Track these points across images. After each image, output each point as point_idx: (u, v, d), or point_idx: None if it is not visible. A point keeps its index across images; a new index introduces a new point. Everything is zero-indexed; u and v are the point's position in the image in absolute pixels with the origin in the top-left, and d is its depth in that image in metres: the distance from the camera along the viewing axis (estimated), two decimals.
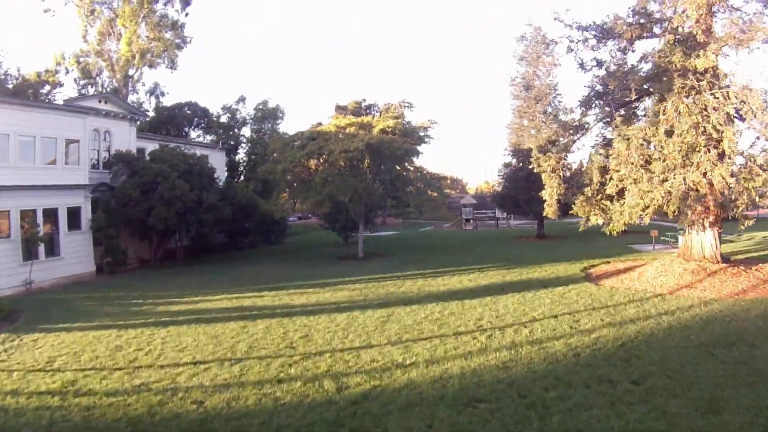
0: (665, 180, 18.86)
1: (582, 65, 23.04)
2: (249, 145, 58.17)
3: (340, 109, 53.18)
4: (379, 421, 9.10)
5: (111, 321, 17.80)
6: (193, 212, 31.93)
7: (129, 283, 26.95)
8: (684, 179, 18.42)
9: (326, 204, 31.28)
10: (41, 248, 27.06)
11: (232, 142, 56.99)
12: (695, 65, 18.51)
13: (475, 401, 9.73)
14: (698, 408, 8.99)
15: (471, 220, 60.99)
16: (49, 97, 55.75)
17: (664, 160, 18.78)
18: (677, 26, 19.65)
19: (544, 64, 41.36)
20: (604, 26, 21.67)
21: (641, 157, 19.27)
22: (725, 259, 21.78)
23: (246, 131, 59.60)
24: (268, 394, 10.49)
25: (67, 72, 56.73)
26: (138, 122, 37.74)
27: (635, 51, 21.75)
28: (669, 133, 18.94)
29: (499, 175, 47.98)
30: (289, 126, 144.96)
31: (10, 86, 52.29)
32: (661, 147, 18.91)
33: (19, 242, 25.94)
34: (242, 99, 59.78)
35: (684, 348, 12.17)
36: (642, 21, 20.40)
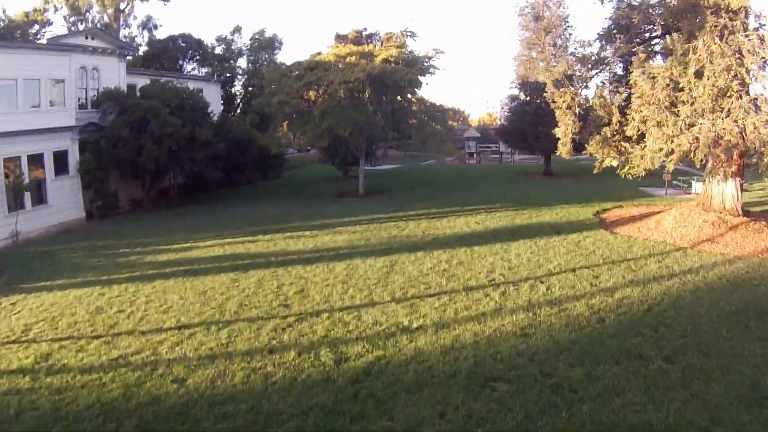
0: (692, 125, 17.22)
1: None
2: (245, 76, 55.55)
3: (340, 39, 50.61)
4: (384, 408, 7.96)
5: (95, 276, 16.58)
6: (185, 150, 30.25)
7: (119, 229, 25.54)
8: (713, 125, 16.77)
9: (325, 138, 29.46)
10: (27, 197, 25.51)
11: (228, 74, 54.43)
12: (728, 2, 16.55)
13: (493, 380, 8.60)
14: (741, 398, 7.84)
15: (474, 154, 59.18)
16: (38, 37, 53.04)
17: (692, 104, 17.03)
18: None
19: None
20: None
21: (667, 98, 17.50)
22: (745, 211, 20.39)
23: (242, 62, 56.87)
24: (258, 369, 9.36)
25: (56, 10, 53.35)
26: (128, 57, 35.59)
27: None
28: (698, 75, 17.10)
29: (503, 109, 45.99)
30: (287, 56, 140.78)
31: None
32: (690, 89, 17.10)
33: (3, 192, 24.30)
34: (238, 29, 56.56)
35: (716, 317, 10.98)
36: None
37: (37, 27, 52.78)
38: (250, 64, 56.17)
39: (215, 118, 37.99)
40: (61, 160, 27.97)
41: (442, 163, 57.86)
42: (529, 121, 38.78)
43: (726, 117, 16.80)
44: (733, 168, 18.89)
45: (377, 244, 18.48)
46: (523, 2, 41.30)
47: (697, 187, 28.62)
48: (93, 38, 32.18)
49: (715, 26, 17.05)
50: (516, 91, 43.39)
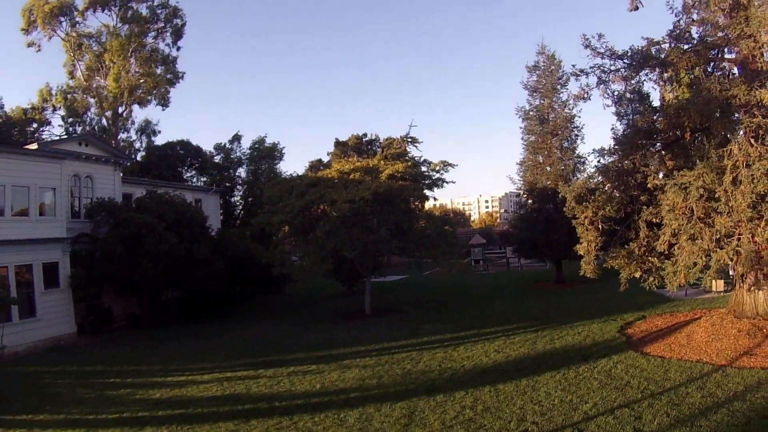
0: (729, 235, 16.19)
1: (618, 100, 20.79)
2: (245, 186, 55.44)
3: (341, 145, 51.04)
4: None
5: (80, 413, 15.02)
6: (183, 268, 29.13)
7: (110, 351, 24.00)
8: (752, 235, 15.73)
9: (329, 260, 28.18)
10: (14, 309, 24.41)
11: (227, 184, 54.42)
12: (762, 97, 15.98)
13: None
14: None
15: (481, 261, 58.24)
16: (36, 135, 53.47)
17: (728, 213, 16.06)
18: (746, 53, 17.18)
19: (571, 96, 38.86)
20: (642, 52, 19.42)
21: (702, 209, 16.56)
22: None
23: (242, 171, 57.06)
24: None
25: (55, 109, 54.13)
26: (123, 166, 35.30)
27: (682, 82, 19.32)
28: (734, 181, 16.27)
29: (506, 211, 45.40)
30: (288, 165, 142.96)
31: None
32: (727, 198, 16.17)
33: None
34: (237, 138, 56.91)
35: None
36: (698, 48, 18.02)
37: (35, 125, 53.20)
38: (249, 174, 56.23)
39: (214, 232, 37.20)
40: (51, 272, 27.07)
41: (448, 270, 56.46)
42: (541, 229, 38.01)
43: (766, 225, 15.79)
44: (766, 270, 17.68)
45: (391, 384, 16.73)
46: (527, 105, 41.82)
47: (716, 284, 27.48)
48: (87, 145, 32.08)
49: (749, 127, 16.43)
50: (523, 197, 43.23)
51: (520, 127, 42.48)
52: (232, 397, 16.29)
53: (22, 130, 51.42)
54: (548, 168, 40.15)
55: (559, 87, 40.53)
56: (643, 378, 15.36)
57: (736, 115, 17.13)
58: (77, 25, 51.04)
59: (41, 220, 26.75)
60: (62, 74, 58.64)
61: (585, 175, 20.76)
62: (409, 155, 50.33)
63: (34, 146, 28.73)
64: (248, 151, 56.68)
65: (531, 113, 41.38)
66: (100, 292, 29.14)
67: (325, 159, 52.36)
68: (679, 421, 11.99)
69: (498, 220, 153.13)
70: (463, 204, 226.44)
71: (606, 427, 12.09)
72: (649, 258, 18.81)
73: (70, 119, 53.58)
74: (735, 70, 18.18)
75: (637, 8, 20.17)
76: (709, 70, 18.82)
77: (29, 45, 50.12)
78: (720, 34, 18.43)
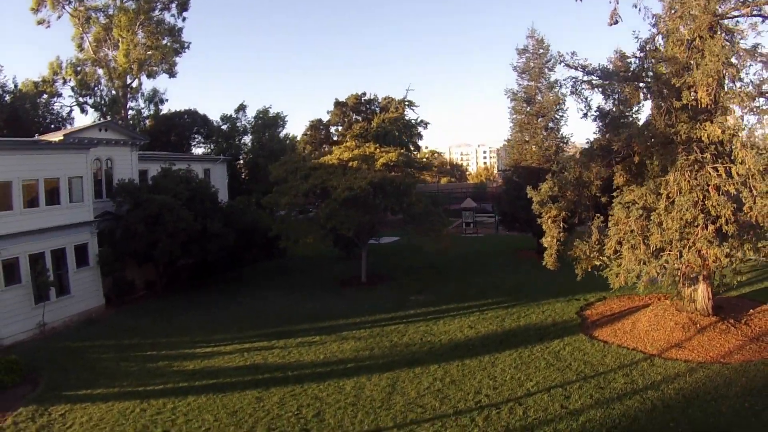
0: (662, 249, 19.77)
1: (586, 114, 23.94)
2: (250, 155, 58.35)
3: (340, 105, 53.97)
4: None
5: (131, 386, 18.78)
6: (197, 242, 32.67)
7: (138, 323, 27.64)
8: (680, 254, 19.36)
9: (330, 237, 31.95)
10: (52, 289, 27.54)
11: (233, 152, 57.27)
12: (701, 135, 19.26)
13: None
14: None
15: (472, 224, 61.82)
16: (50, 108, 55.83)
17: (661, 234, 19.60)
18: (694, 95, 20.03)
19: (547, 82, 41.83)
20: (609, 71, 22.47)
21: (640, 228, 20.09)
22: (717, 308, 22.49)
23: (247, 139, 59.84)
24: None
25: (65, 82, 56.43)
26: (138, 146, 38.06)
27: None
28: (668, 208, 19.76)
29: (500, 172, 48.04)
30: (291, 128, 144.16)
31: (7, 99, 52.41)
32: (660, 221, 19.70)
33: (30, 286, 26.38)
34: (243, 107, 59.70)
35: None
36: (651, 85, 21.20)
37: (45, 97, 55.36)
38: (255, 142, 58.95)
39: (223, 202, 40.28)
40: (81, 252, 30.06)
41: (435, 245, 59.85)
42: (522, 205, 41.26)
43: (692, 246, 19.33)
44: (704, 273, 21.18)
45: (380, 356, 20.87)
46: (515, 87, 44.56)
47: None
48: (106, 130, 35.00)
49: (686, 161, 19.72)
50: (510, 173, 46.35)
51: (509, 107, 45.10)
52: (253, 366, 20.35)
53: (34, 103, 53.59)
54: (534, 147, 43.06)
55: (546, 70, 43.03)
56: (582, 361, 19.23)
57: (675, 153, 20.08)
58: (85, 0, 52.62)
59: (71, 207, 29.52)
60: (71, 48, 60.25)
61: (549, 183, 23.70)
62: (406, 117, 54.11)
63: (59, 137, 31.09)
64: (252, 120, 59.35)
65: (519, 94, 44.05)
66: (124, 266, 32.65)
67: (325, 119, 55.85)
68: (599, 403, 15.84)
69: (495, 172, 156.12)
70: (461, 155, 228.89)
71: (540, 403, 16.08)
72: (600, 257, 22.42)
73: (81, 92, 56.05)
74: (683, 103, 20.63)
75: (616, 22, 22.85)
76: (660, 103, 21.57)
77: (39, 23, 51.71)
78: (673, 68, 21.08)
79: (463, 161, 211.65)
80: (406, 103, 54.73)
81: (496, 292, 30.05)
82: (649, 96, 22.12)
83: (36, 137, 31.83)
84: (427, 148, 51.45)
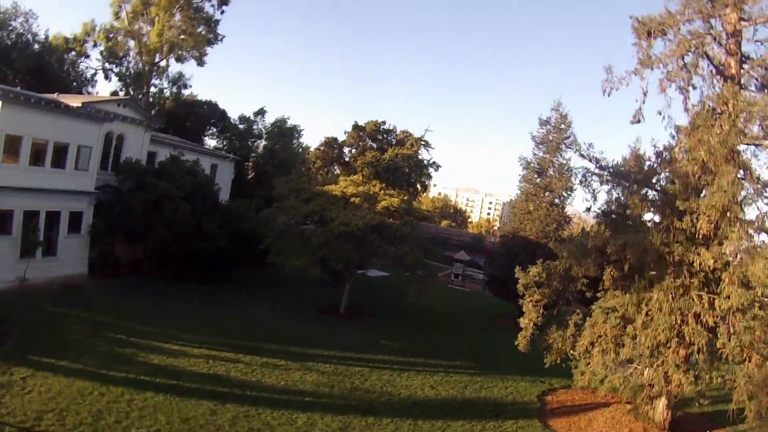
0: (630, 361, 20.27)
1: (589, 209, 24.58)
2: (260, 160, 58.65)
3: (358, 128, 54.74)
4: None
5: (95, 367, 19.17)
6: (191, 238, 33.17)
7: (118, 300, 28.07)
8: (644, 372, 19.88)
9: (318, 266, 32.34)
10: (39, 248, 28.17)
11: (244, 152, 57.58)
12: (692, 260, 19.73)
13: None
14: None
15: (461, 277, 62.23)
16: (76, 66, 56.94)
17: (632, 348, 20.12)
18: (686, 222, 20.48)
19: (562, 158, 42.45)
20: (622, 171, 23.13)
21: (614, 338, 20.62)
22: (675, 423, 22.60)
23: (260, 143, 60.29)
24: None
25: (95, 45, 57.47)
26: (153, 129, 38.77)
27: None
28: (646, 323, 20.25)
29: (498, 237, 48.24)
30: (305, 140, 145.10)
31: (36, 48, 53.17)
32: (635, 335, 20.22)
33: (19, 240, 27.04)
34: (262, 112, 60.40)
35: None
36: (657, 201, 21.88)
37: (73, 54, 56.50)
38: (267, 149, 59.35)
39: (224, 200, 40.80)
40: (75, 219, 30.79)
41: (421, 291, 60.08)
42: (511, 277, 41.72)
43: (660, 366, 19.79)
44: (666, 391, 21.58)
45: (338, 396, 21.20)
46: (530, 156, 45.23)
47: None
48: (125, 107, 35.73)
49: (672, 284, 20.18)
50: (506, 239, 46.90)
51: (519, 174, 45.74)
52: (215, 377, 20.73)
53: (61, 58, 54.59)
54: (536, 222, 43.46)
55: (563, 147, 43.67)
56: None
57: (663, 273, 20.59)
58: None
59: (75, 174, 30.20)
60: (108, 14, 61.33)
61: (538, 268, 24.23)
62: (419, 156, 54.74)
63: (78, 103, 31.41)
64: (269, 126, 60.10)
65: (532, 164, 44.72)
66: (114, 241, 33.21)
67: (341, 138, 56.49)
68: None
69: (495, 228, 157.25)
70: (467, 200, 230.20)
71: None
72: (571, 351, 22.88)
73: (109, 58, 57.03)
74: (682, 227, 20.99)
75: (639, 121, 23.48)
76: (662, 220, 21.99)
77: None
78: (682, 186, 21.60)
79: (468, 207, 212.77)
80: (422, 142, 55.61)
81: (466, 356, 30.32)
82: (652, 209, 22.76)
83: (56, 95, 32.37)
84: (435, 186, 52.14)
